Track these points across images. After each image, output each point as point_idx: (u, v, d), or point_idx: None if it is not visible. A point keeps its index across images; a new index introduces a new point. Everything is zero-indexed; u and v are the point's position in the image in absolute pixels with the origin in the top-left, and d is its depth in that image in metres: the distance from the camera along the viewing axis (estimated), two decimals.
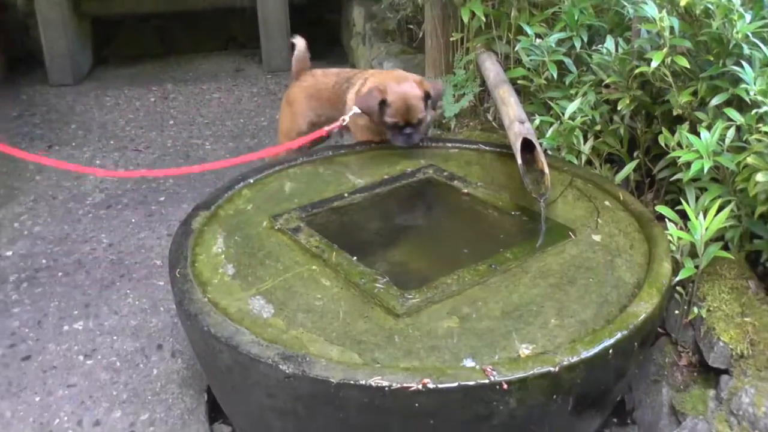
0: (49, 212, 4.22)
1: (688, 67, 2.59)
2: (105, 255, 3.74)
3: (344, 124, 3.16)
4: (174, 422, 2.64)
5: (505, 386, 1.77)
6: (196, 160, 4.89)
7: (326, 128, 3.19)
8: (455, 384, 1.76)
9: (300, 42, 3.82)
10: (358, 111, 3.11)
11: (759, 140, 2.22)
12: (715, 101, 2.52)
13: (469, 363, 1.85)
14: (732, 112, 2.41)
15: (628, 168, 2.88)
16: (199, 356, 2.25)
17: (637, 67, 2.75)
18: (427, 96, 3.06)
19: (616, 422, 2.64)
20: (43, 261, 3.70)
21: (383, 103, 3.02)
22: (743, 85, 2.39)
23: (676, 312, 2.45)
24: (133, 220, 4.08)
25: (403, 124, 3.03)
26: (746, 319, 2.23)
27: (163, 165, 4.82)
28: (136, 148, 5.14)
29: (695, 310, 2.34)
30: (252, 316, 2.07)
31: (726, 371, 2.22)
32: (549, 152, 3.06)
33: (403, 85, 3.05)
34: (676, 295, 2.42)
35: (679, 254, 2.36)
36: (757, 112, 2.30)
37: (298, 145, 3.18)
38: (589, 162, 3.04)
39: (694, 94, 2.63)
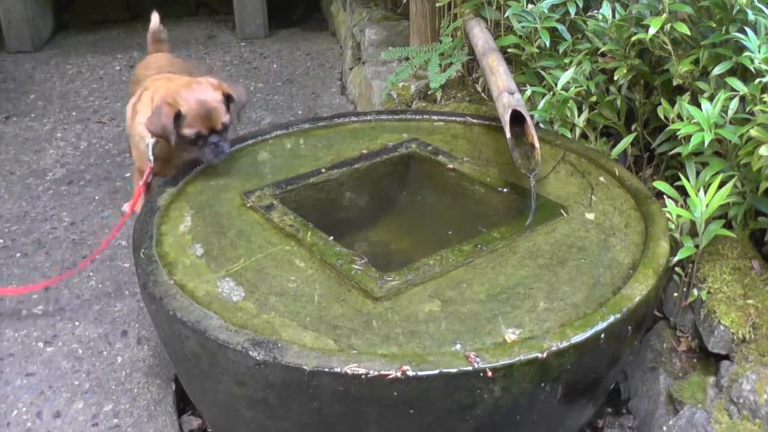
0: (6, 188, 4.19)
1: (689, 34, 2.57)
2: (66, 234, 3.71)
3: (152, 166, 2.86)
4: (140, 413, 2.63)
5: (490, 373, 1.77)
6: None
7: (141, 182, 2.90)
8: (436, 371, 1.75)
9: (153, 18, 3.88)
10: (152, 142, 2.84)
11: (763, 111, 2.22)
12: (717, 70, 2.51)
13: (451, 349, 1.84)
14: (735, 82, 2.41)
15: (625, 141, 2.87)
16: (165, 342, 2.24)
17: (635, 34, 2.74)
18: (227, 98, 2.79)
19: (611, 412, 2.65)
20: (0, 240, 3.67)
21: (178, 117, 2.70)
22: (747, 53, 2.38)
23: (675, 294, 2.46)
24: (97, 198, 4.05)
25: (206, 132, 2.73)
26: (749, 301, 2.24)
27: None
28: (99, 120, 5.11)
29: (695, 292, 2.35)
30: (221, 299, 2.06)
31: (727, 357, 2.23)
32: (541, 125, 3.06)
33: (195, 90, 2.75)
34: (675, 277, 2.43)
35: (678, 233, 2.37)
36: (761, 82, 2.30)
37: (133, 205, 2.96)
38: (583, 135, 3.04)
39: (696, 62, 2.62)
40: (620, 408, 2.66)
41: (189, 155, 2.79)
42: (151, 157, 2.83)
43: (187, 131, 2.70)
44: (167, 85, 2.89)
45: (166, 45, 3.92)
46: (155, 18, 3.89)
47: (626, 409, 2.65)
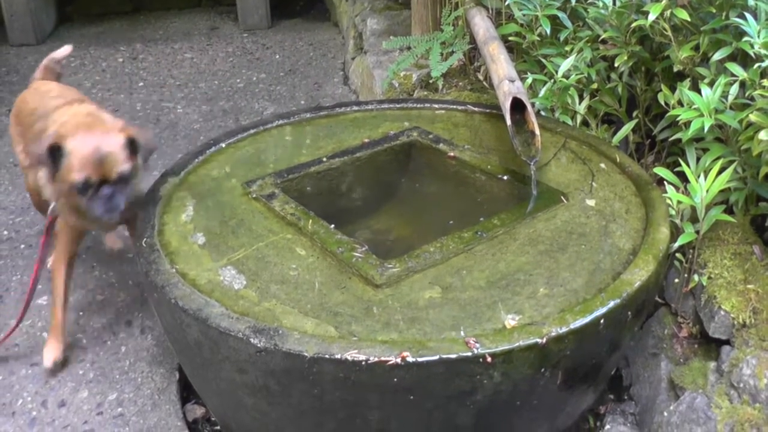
0: (10, 180, 4.20)
1: (689, 20, 2.57)
2: None
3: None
4: (144, 402, 2.65)
5: (489, 359, 1.77)
6: (168, 124, 4.87)
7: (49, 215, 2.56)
8: (436, 357, 1.76)
9: (63, 50, 3.36)
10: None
11: (763, 96, 2.21)
12: (717, 56, 2.51)
13: (451, 335, 1.85)
14: (734, 67, 2.40)
15: (626, 128, 2.87)
16: (168, 331, 2.25)
17: (636, 20, 2.74)
18: (131, 143, 2.40)
19: (613, 398, 2.66)
20: (5, 232, 3.69)
21: (56, 151, 2.32)
22: (747, 38, 2.37)
23: (676, 281, 2.46)
24: None
25: (96, 180, 2.32)
26: (749, 286, 2.23)
27: None
28: None
29: (696, 278, 2.35)
30: (222, 287, 2.07)
31: (727, 342, 2.23)
32: (542, 113, 3.06)
33: (92, 128, 2.39)
34: (676, 263, 2.43)
35: (679, 219, 2.37)
36: (760, 66, 2.29)
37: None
38: (585, 123, 3.03)
39: (696, 48, 2.61)
40: (622, 394, 2.67)
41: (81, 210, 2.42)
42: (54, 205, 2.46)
43: (74, 176, 2.30)
44: (75, 117, 2.50)
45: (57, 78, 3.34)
46: (65, 49, 3.38)
47: (628, 395, 2.65)
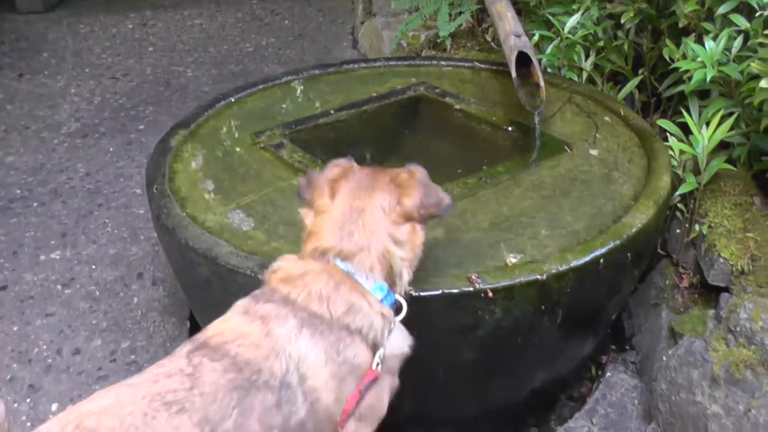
0: (22, 142, 4.26)
1: None
2: (82, 184, 3.79)
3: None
4: (156, 350, 2.72)
5: (491, 294, 1.84)
6: (178, 87, 4.92)
7: None
8: (438, 291, 1.83)
9: None
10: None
11: (764, 45, 2.25)
12: (722, 9, 2.54)
13: (453, 271, 1.91)
14: (738, 18, 2.43)
15: (632, 84, 2.91)
16: (178, 273, 2.32)
17: None
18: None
19: (615, 348, 2.72)
20: (17, 191, 3.76)
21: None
22: None
23: (678, 231, 2.51)
24: (111, 149, 4.13)
25: None
26: (748, 234, 2.28)
27: (143, 93, 4.85)
28: (113, 75, 5.17)
29: (696, 228, 2.40)
30: (232, 229, 2.14)
31: (726, 289, 2.29)
32: (548, 70, 3.10)
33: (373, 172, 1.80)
34: (678, 214, 2.48)
35: (681, 169, 2.42)
36: (762, 14, 2.33)
37: None
38: (591, 80, 3.08)
39: (701, 3, 2.65)
40: (624, 345, 2.73)
41: None
42: None
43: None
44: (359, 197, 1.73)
45: None
46: None
47: (629, 345, 2.71)
